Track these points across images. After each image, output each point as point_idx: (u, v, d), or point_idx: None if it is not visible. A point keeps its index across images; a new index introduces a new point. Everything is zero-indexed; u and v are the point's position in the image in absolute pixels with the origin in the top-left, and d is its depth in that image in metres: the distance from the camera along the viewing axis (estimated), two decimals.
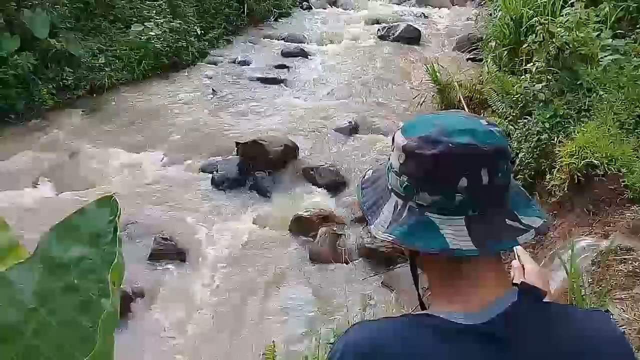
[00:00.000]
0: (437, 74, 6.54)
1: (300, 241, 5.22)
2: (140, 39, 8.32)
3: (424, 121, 0.96)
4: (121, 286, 1.11)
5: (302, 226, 5.32)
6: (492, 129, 0.92)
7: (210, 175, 6.06)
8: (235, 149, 6.29)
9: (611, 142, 4.03)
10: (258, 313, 4.42)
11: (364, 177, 1.05)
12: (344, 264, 4.89)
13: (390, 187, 0.97)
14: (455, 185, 0.88)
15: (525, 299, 0.91)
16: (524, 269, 1.19)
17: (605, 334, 0.93)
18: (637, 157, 3.98)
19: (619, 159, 3.89)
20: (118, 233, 1.08)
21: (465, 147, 0.88)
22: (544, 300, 0.94)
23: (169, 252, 5.02)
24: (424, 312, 0.94)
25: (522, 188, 0.99)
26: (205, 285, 4.74)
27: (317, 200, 5.70)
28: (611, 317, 2.97)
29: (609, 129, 4.12)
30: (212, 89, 8.06)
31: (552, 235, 4.18)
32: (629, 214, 3.75)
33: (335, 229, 5.25)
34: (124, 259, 1.06)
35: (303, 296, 4.56)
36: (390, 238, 0.92)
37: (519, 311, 0.89)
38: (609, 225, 3.74)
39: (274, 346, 1.91)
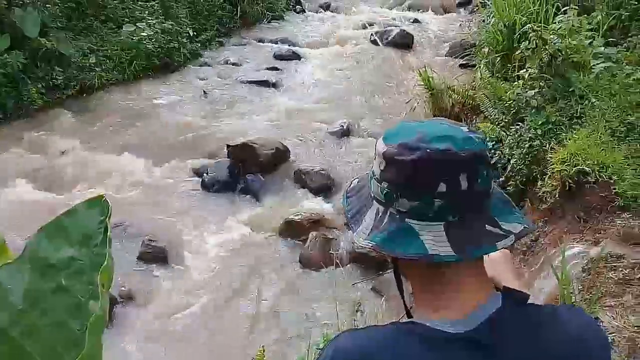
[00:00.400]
0: (430, 79, 6.54)
1: (290, 245, 5.19)
2: (132, 39, 8.28)
3: (406, 129, 0.97)
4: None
5: (292, 230, 5.30)
6: (471, 135, 0.93)
7: (200, 178, 6.02)
8: (226, 151, 6.25)
9: (602, 149, 4.04)
10: (246, 317, 4.39)
11: (349, 186, 1.06)
12: (334, 269, 4.86)
13: (372, 195, 0.98)
14: (434, 190, 0.89)
15: (508, 303, 0.92)
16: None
17: (591, 334, 0.95)
18: (628, 164, 3.99)
19: (610, 167, 3.90)
20: (108, 234, 1.05)
21: (443, 153, 0.89)
22: (527, 302, 0.95)
23: (157, 255, 4.98)
24: (410, 320, 0.93)
25: (505, 195, 1.00)
26: (194, 289, 4.70)
27: (308, 204, 5.67)
28: (600, 323, 2.98)
29: (600, 136, 4.13)
30: (204, 91, 8.03)
31: (542, 242, 4.18)
32: (619, 222, 3.75)
33: (325, 233, 5.23)
34: (113, 261, 1.03)
35: (292, 300, 4.53)
36: (371, 245, 0.93)
37: (503, 317, 0.90)
38: (600, 233, 3.75)
39: (264, 351, 1.88)
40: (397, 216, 0.92)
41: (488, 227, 0.92)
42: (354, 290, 4.55)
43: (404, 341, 0.90)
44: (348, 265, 4.92)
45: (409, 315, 1.02)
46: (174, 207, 5.64)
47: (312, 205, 5.65)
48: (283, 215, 5.41)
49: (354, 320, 3.15)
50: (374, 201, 0.97)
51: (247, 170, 6.04)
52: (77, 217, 1.12)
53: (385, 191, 0.94)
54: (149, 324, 4.37)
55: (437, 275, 0.93)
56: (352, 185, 1.06)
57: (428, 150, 0.89)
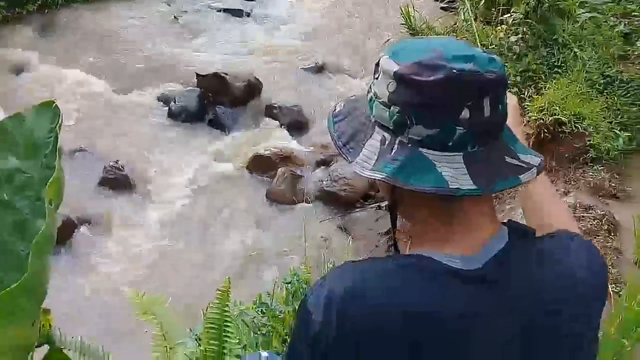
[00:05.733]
0: (411, 18, 6.35)
1: (258, 180, 5.10)
2: None
3: (417, 45, 0.84)
4: (64, 209, 0.96)
5: (261, 165, 5.20)
6: (492, 56, 0.82)
7: (167, 106, 5.81)
8: (195, 80, 6.01)
9: (581, 100, 4.00)
10: (211, 249, 4.32)
11: (334, 110, 0.92)
12: (301, 206, 4.81)
13: (374, 120, 0.85)
14: (457, 116, 0.78)
15: (515, 238, 0.85)
16: None
17: (588, 273, 0.89)
18: (604, 117, 3.97)
19: (586, 118, 3.88)
20: (58, 144, 0.92)
21: (470, 73, 0.78)
22: (532, 234, 0.88)
23: (119, 181, 4.84)
24: (415, 253, 0.84)
25: (510, 128, 0.89)
26: (156, 218, 4.59)
27: (278, 139, 5.55)
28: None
29: (579, 87, 4.08)
30: (174, 16, 7.65)
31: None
32: (590, 173, 3.76)
33: (294, 170, 5.14)
34: (64, 174, 0.91)
35: (259, 235, 4.48)
36: (380, 176, 0.81)
37: (511, 253, 0.83)
38: (571, 183, 3.75)
39: (229, 281, 1.80)
40: (409, 145, 0.81)
41: (508, 158, 0.83)
42: (321, 227, 4.51)
43: (408, 276, 0.81)
44: (315, 203, 4.87)
45: (397, 252, 0.94)
46: (139, 135, 5.45)
47: (282, 141, 5.53)
48: (252, 150, 5.30)
49: (322, 257, 3.10)
50: (378, 127, 0.84)
51: (216, 101, 5.84)
52: (24, 124, 0.98)
53: (395, 116, 0.81)
54: (107, 250, 4.27)
55: (445, 210, 0.84)
56: (337, 109, 0.92)
57: (454, 71, 0.78)
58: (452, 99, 0.78)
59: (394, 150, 0.81)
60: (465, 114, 0.78)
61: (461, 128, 0.78)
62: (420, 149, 0.80)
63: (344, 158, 0.86)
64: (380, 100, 0.83)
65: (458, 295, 0.80)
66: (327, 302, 0.81)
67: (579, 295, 0.86)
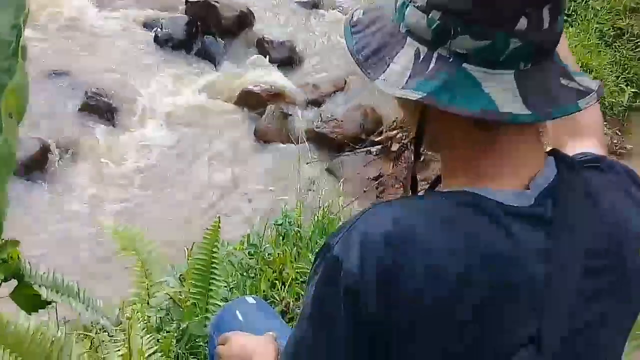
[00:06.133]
0: None
1: (246, 116, 4.90)
2: None
3: None
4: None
5: (249, 101, 4.99)
6: None
7: (153, 32, 5.51)
8: (184, 7, 5.70)
9: (589, 52, 3.84)
10: (195, 185, 4.17)
11: (351, 19, 0.76)
12: (290, 146, 4.65)
13: (404, 30, 0.70)
14: (512, 26, 0.64)
15: (565, 171, 0.73)
16: None
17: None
18: (611, 71, 3.83)
19: (594, 70, 3.73)
20: (21, 40, 0.74)
21: None
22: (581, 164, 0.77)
23: (101, 108, 4.60)
24: (461, 189, 0.70)
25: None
26: (139, 149, 4.39)
27: (268, 75, 5.32)
28: None
29: (589, 38, 3.91)
30: None
31: None
32: None
33: (284, 108, 4.96)
34: (28, 80, 0.74)
35: (246, 173, 4.32)
36: (416, 95, 0.66)
37: (564, 189, 0.71)
38: None
39: (219, 221, 1.67)
40: (451, 60, 0.66)
41: (563, 80, 0.69)
42: (310, 169, 4.37)
43: (465, 214, 0.67)
44: (304, 144, 4.71)
45: (415, 190, 0.80)
46: (123, 60, 5.18)
47: (272, 77, 5.30)
48: (241, 84, 5.07)
49: (318, 199, 2.97)
50: (410, 39, 0.69)
51: (206, 31, 5.56)
52: None
53: (435, 24, 0.66)
54: (85, 179, 4.08)
55: (486, 139, 0.70)
56: (355, 17, 0.76)
57: None
58: (509, 3, 0.64)
59: (431, 66, 0.67)
60: (523, 23, 0.64)
61: (516, 40, 0.64)
62: (465, 64, 0.66)
63: (366, 75, 0.71)
64: (416, 5, 0.68)
65: (528, 237, 0.67)
66: (363, 250, 0.65)
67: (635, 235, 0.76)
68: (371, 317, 0.64)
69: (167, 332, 1.67)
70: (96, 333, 1.73)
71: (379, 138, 4.52)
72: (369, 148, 4.55)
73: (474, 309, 0.65)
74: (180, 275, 1.90)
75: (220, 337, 1.11)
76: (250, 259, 2.00)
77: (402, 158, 4.39)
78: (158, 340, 1.60)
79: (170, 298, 1.77)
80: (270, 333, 1.05)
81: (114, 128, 4.52)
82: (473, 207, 0.67)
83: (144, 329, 1.43)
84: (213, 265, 1.65)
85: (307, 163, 4.48)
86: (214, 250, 1.65)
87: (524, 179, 0.70)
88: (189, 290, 1.67)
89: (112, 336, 1.52)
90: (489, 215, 0.67)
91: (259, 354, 0.99)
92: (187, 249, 2.03)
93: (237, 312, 1.26)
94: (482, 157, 0.70)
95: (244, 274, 1.94)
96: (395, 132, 4.48)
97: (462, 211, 0.67)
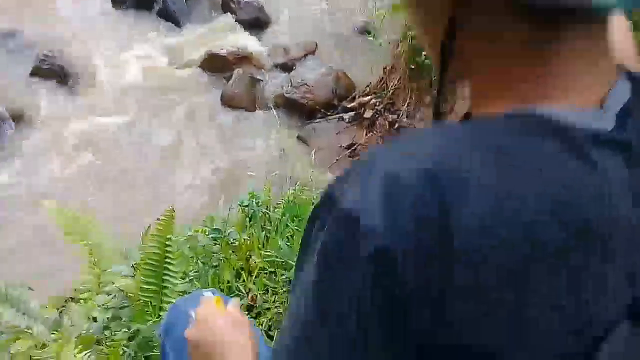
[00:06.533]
0: None
1: (212, 81, 4.65)
2: None
3: None
4: None
5: (215, 64, 4.73)
6: None
7: None
8: None
9: None
10: (156, 154, 3.93)
11: None
12: (258, 112, 4.43)
13: None
14: None
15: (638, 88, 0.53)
16: None
17: None
18: None
19: None
20: None
21: None
22: None
23: (54, 71, 4.32)
24: (520, 110, 0.49)
25: None
26: (96, 115, 4.12)
27: (235, 37, 5.06)
28: None
29: None
30: None
31: None
32: None
33: (252, 72, 4.71)
34: None
35: (211, 141, 4.09)
36: None
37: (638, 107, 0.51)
38: None
39: (173, 210, 1.46)
40: None
41: None
42: (279, 137, 4.16)
43: (524, 143, 0.46)
44: (273, 111, 4.49)
45: (438, 116, 0.59)
46: (77, 21, 4.85)
47: (240, 39, 5.04)
48: (206, 47, 4.80)
49: (279, 166, 2.77)
50: None
51: None
52: None
53: None
54: (39, 148, 3.82)
55: (547, 38, 0.50)
56: None
57: None
58: None
59: None
60: None
61: None
62: None
63: None
64: None
65: (615, 170, 0.48)
66: (392, 198, 0.43)
67: None
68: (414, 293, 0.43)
69: (113, 340, 1.45)
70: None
71: (352, 104, 4.32)
72: (341, 115, 4.36)
73: (569, 271, 0.45)
74: (135, 264, 1.69)
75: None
76: (214, 244, 1.80)
77: (377, 125, 4.20)
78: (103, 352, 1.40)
79: (122, 291, 1.57)
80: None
81: (69, 94, 4.24)
82: (540, 132, 0.47)
83: (80, 344, 1.22)
84: (167, 261, 1.45)
85: (277, 132, 4.27)
86: (167, 243, 1.45)
87: (597, 96, 0.51)
88: (140, 287, 1.46)
89: (44, 347, 1.30)
90: (563, 142, 0.47)
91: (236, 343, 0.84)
92: (143, 232, 1.82)
93: (191, 311, 1.05)
94: (538, 65, 0.50)
95: (207, 262, 1.74)
96: (368, 97, 4.28)
97: (526, 139, 0.47)
